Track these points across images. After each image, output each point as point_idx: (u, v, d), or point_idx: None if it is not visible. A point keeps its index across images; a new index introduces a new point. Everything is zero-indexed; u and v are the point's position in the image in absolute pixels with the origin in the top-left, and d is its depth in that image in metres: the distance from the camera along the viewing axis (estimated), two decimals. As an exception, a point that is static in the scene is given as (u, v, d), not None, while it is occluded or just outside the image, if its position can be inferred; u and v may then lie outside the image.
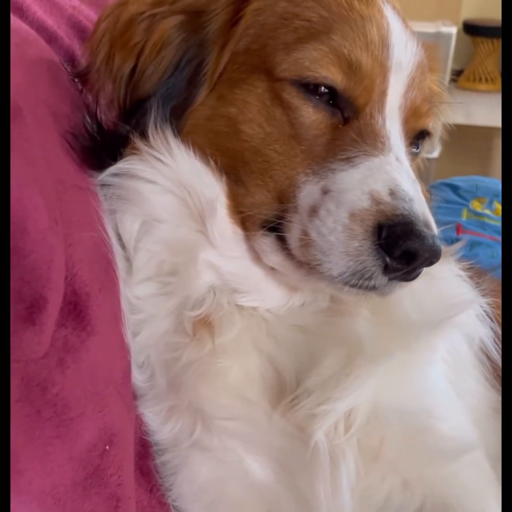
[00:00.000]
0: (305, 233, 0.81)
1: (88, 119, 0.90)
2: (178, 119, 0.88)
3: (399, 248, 0.76)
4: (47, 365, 0.71)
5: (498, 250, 1.69)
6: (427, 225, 0.77)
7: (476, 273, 1.06)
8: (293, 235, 0.82)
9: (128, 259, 0.90)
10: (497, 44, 6.72)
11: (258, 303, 0.89)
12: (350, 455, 0.82)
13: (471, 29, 6.85)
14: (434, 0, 6.41)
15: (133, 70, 0.89)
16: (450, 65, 5.42)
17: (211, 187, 0.87)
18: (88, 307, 0.78)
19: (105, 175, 0.87)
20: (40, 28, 1.02)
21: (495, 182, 2.04)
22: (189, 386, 0.85)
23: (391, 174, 0.80)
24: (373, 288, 0.80)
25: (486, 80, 7.08)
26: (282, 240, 0.84)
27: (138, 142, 0.86)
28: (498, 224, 1.83)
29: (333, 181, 0.81)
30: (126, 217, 0.88)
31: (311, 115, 0.84)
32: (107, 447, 0.77)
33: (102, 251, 0.85)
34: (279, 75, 0.84)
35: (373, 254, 0.77)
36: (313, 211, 0.81)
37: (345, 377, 0.82)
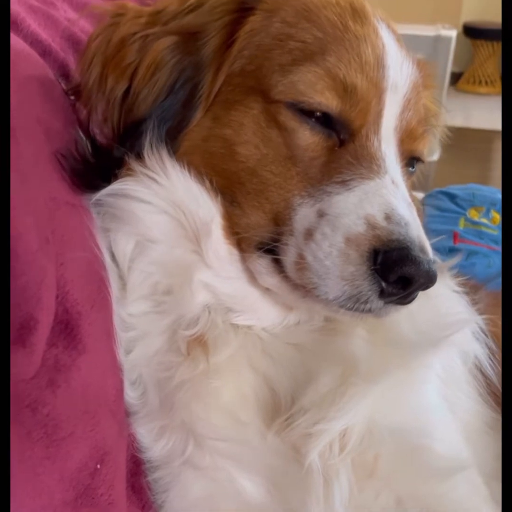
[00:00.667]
0: (301, 256, 0.81)
1: (81, 136, 0.90)
2: (173, 140, 0.87)
3: (394, 273, 0.76)
4: (38, 385, 0.71)
5: (495, 260, 1.69)
6: (422, 250, 0.77)
7: (472, 288, 1.06)
8: (288, 258, 0.82)
9: (121, 277, 0.90)
10: (497, 46, 6.74)
11: (253, 322, 0.89)
12: (343, 474, 0.82)
13: (471, 31, 6.87)
14: (434, 3, 6.43)
15: (127, 91, 0.89)
16: (449, 68, 5.43)
17: (206, 208, 0.86)
18: (79, 325, 0.78)
19: (98, 196, 0.87)
20: (34, 42, 1.02)
21: (493, 190, 2.04)
22: (181, 405, 0.84)
23: (387, 198, 0.80)
24: (369, 311, 0.80)
25: (486, 83, 7.10)
26: (277, 263, 0.84)
27: (133, 164, 0.86)
28: (495, 233, 1.83)
29: (329, 205, 0.81)
30: (120, 237, 0.88)
31: (308, 138, 0.84)
32: (98, 466, 0.77)
33: (94, 269, 0.84)
34: (275, 98, 0.84)
35: (369, 279, 0.77)
36: (309, 234, 0.81)
37: (341, 396, 0.82)
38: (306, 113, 0.84)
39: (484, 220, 1.90)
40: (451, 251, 1.73)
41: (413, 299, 0.80)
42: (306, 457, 0.81)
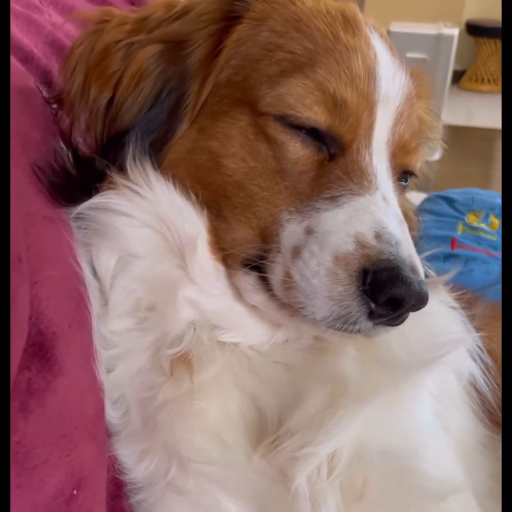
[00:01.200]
0: (288, 274, 0.78)
1: (62, 147, 0.87)
2: (157, 152, 0.84)
3: (384, 294, 0.73)
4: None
5: (494, 266, 1.65)
6: (413, 270, 0.74)
7: (469, 302, 1.03)
8: (275, 276, 0.80)
9: (103, 292, 0.87)
10: (500, 44, 6.69)
11: (239, 339, 0.86)
12: (331, 498, 0.80)
13: (473, 29, 6.84)
14: (436, 1, 6.39)
15: (110, 101, 0.86)
16: (452, 66, 5.40)
17: (192, 222, 0.84)
18: (55, 346, 0.75)
19: (79, 209, 0.84)
20: (15, 48, 0.99)
21: (492, 195, 2.00)
22: (164, 426, 0.81)
23: (377, 215, 0.77)
24: (358, 331, 0.77)
25: (489, 81, 7.07)
26: (264, 280, 0.82)
27: (115, 176, 0.83)
28: (494, 238, 1.79)
29: (317, 221, 0.78)
30: (102, 252, 0.85)
31: (298, 151, 0.81)
32: (75, 492, 0.75)
33: (73, 286, 0.82)
34: (263, 110, 0.81)
35: (358, 299, 0.74)
36: (296, 252, 0.78)
37: (329, 418, 0.80)
38: (295, 126, 0.81)
39: (482, 225, 1.86)
40: (449, 257, 1.71)
41: (404, 320, 0.78)
42: (292, 481, 0.78)
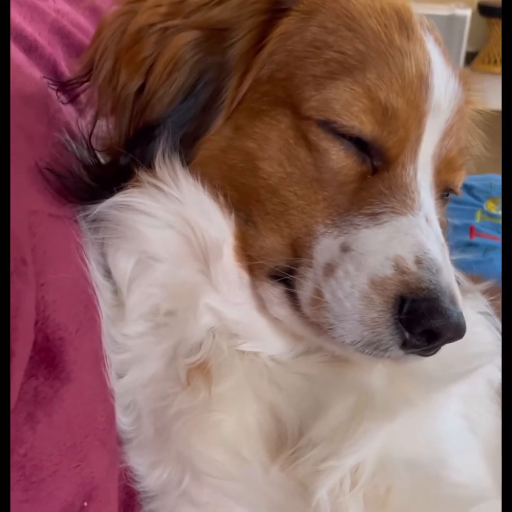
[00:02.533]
0: (318, 293, 0.74)
1: (75, 141, 0.82)
2: (188, 149, 0.79)
3: (421, 326, 0.69)
4: (14, 423, 0.64)
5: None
6: (453, 301, 0.70)
7: (492, 292, 0.99)
8: (304, 293, 0.76)
9: (115, 293, 0.83)
10: (513, 25, 6.59)
11: (260, 349, 0.82)
12: (353, 511, 0.76)
13: (486, 10, 6.72)
14: (448, -18, 6.28)
15: (140, 89, 0.81)
16: (464, 48, 5.32)
17: (219, 227, 0.79)
18: (62, 352, 0.71)
19: (100, 208, 0.79)
20: (18, 37, 0.95)
21: (512, 180, 1.94)
22: (179, 438, 0.78)
23: (419, 238, 0.73)
24: (388, 358, 0.74)
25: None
26: (291, 295, 0.78)
27: (142, 174, 0.78)
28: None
29: (355, 239, 0.74)
30: (120, 255, 0.81)
31: (342, 160, 0.77)
32: (86, 504, 0.72)
33: (80, 287, 0.78)
34: (306, 113, 0.76)
35: (392, 328, 0.70)
36: (330, 269, 0.74)
37: (354, 430, 0.76)
38: (339, 133, 0.76)
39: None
40: (468, 246, 1.66)
41: (436, 351, 0.74)
42: (313, 494, 0.75)
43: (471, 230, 1.74)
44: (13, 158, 0.74)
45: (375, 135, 0.76)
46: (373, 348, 0.72)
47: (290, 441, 0.78)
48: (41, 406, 0.68)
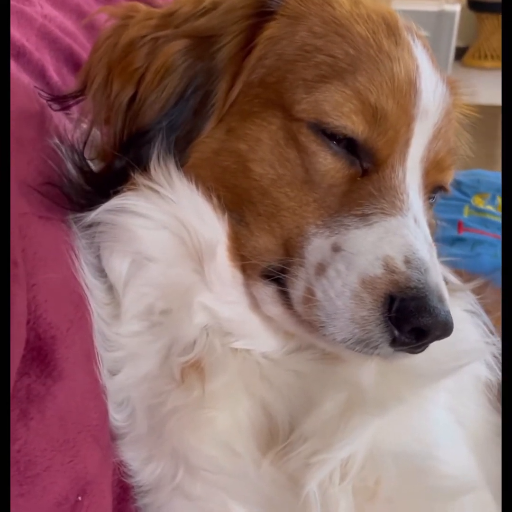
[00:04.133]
0: (310, 291, 0.76)
1: (65, 151, 0.84)
2: (181, 152, 0.81)
3: (409, 324, 0.71)
4: (8, 420, 0.66)
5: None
6: (440, 299, 0.72)
7: (478, 286, 1.02)
8: (296, 292, 0.78)
9: (106, 291, 0.85)
10: (503, 20, 6.61)
11: (252, 346, 0.84)
12: (344, 503, 0.78)
13: (475, 5, 6.74)
14: (437, -23, 6.30)
15: (133, 98, 0.83)
16: (454, 43, 5.33)
17: (212, 227, 0.81)
18: (54, 350, 0.73)
19: (95, 214, 0.80)
20: (7, 43, 0.96)
21: (498, 175, 1.96)
22: (173, 434, 0.80)
23: (408, 238, 0.75)
24: (377, 355, 0.76)
25: (492, 57, 6.97)
26: (284, 294, 0.79)
27: (138, 177, 0.80)
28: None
29: (346, 239, 0.76)
30: (114, 256, 0.83)
31: (329, 163, 0.78)
32: (80, 498, 0.74)
33: (71, 287, 0.80)
34: (297, 115, 0.78)
35: (381, 326, 0.72)
36: (321, 269, 0.76)
37: (345, 424, 0.78)
38: (329, 135, 0.78)
39: (489, 207, 1.83)
40: (456, 241, 1.68)
41: (425, 349, 0.76)
42: (303, 487, 0.77)
43: (459, 225, 1.76)
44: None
45: (365, 136, 0.77)
46: (363, 345, 0.74)
47: (281, 436, 0.80)
48: (34, 403, 0.69)
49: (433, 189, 0.87)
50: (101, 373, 0.82)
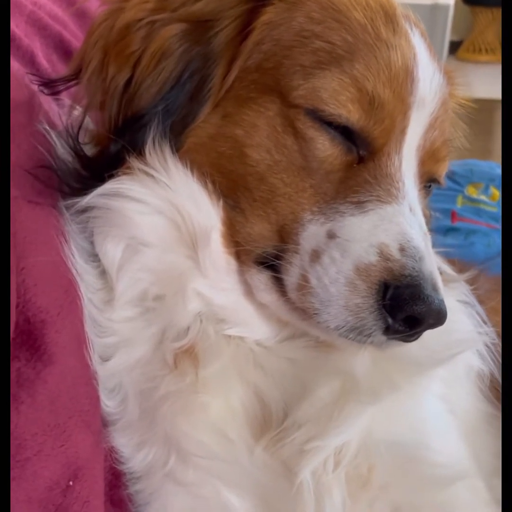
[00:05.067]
0: (304, 278, 0.76)
1: (55, 136, 0.84)
2: (177, 136, 0.81)
3: (403, 312, 0.71)
4: (-2, 404, 0.66)
5: (494, 238, 1.63)
6: (434, 288, 0.72)
7: (471, 277, 1.02)
8: (290, 278, 0.77)
9: (98, 276, 0.84)
10: (497, 13, 6.60)
11: (246, 334, 0.84)
12: (337, 491, 0.78)
13: (469, -1, 6.74)
14: (431, -29, 6.29)
15: (129, 81, 0.82)
16: (448, 37, 5.33)
17: (207, 213, 0.80)
18: (44, 335, 0.73)
19: (89, 198, 0.79)
20: (-4, 29, 0.95)
21: (492, 165, 1.96)
22: (165, 419, 0.80)
23: (403, 226, 0.74)
24: (370, 343, 0.75)
25: (486, 50, 6.98)
26: (278, 281, 0.79)
27: (133, 161, 0.79)
28: (495, 210, 1.76)
29: (341, 226, 0.75)
30: (108, 241, 0.82)
31: (327, 149, 0.78)
32: (71, 483, 0.73)
33: (61, 271, 0.79)
34: (294, 102, 0.78)
35: (375, 313, 0.72)
36: (316, 255, 0.75)
37: (339, 411, 0.78)
38: (326, 123, 0.77)
39: (483, 197, 1.83)
40: (450, 230, 1.68)
41: (418, 337, 0.75)
42: (297, 475, 0.77)
43: (453, 215, 1.76)
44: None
45: (361, 124, 0.77)
46: (356, 333, 0.73)
47: (274, 422, 0.80)
48: (24, 387, 0.69)
49: (428, 179, 0.87)
50: (92, 359, 0.81)
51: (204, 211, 0.80)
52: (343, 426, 0.77)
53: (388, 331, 0.73)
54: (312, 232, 0.77)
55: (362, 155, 0.79)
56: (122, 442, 0.84)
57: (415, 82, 0.80)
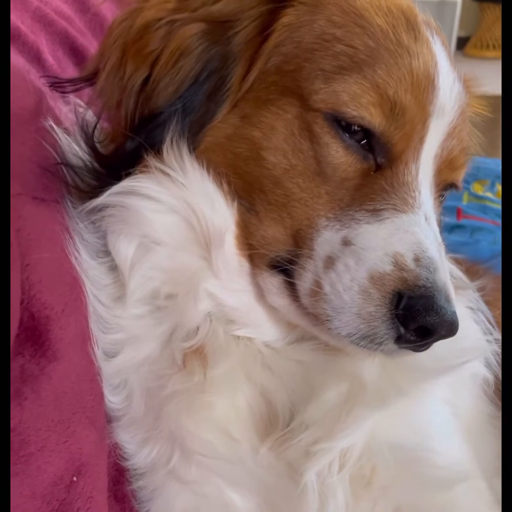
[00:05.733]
0: (318, 284, 0.76)
1: (77, 135, 0.85)
2: (194, 136, 0.81)
3: (416, 322, 0.71)
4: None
5: (500, 236, 1.62)
6: (447, 299, 0.72)
7: (477, 273, 1.03)
8: (304, 284, 0.77)
9: (105, 273, 0.85)
10: (505, 9, 6.56)
11: (255, 335, 0.84)
12: (340, 492, 0.79)
13: (477, -5, 6.71)
14: (438, -34, 6.27)
15: (146, 80, 0.82)
16: (455, 33, 5.32)
17: (222, 215, 0.80)
18: (48, 331, 0.73)
19: (104, 197, 0.79)
20: (1, 25, 0.96)
21: (497, 162, 1.94)
22: (171, 417, 0.80)
23: (418, 236, 0.74)
24: (381, 351, 0.75)
25: (494, 47, 6.95)
26: (291, 285, 0.79)
27: (150, 159, 0.79)
28: (500, 207, 1.75)
29: (356, 234, 0.75)
30: (121, 238, 0.82)
31: (341, 156, 0.78)
32: (75, 478, 0.73)
33: (66, 268, 0.79)
34: (314, 105, 0.77)
35: (388, 322, 0.72)
36: (330, 262, 0.75)
37: (346, 415, 0.78)
38: (345, 128, 0.77)
39: (488, 194, 1.82)
40: (455, 228, 1.68)
41: (429, 347, 0.76)
42: (302, 476, 0.77)
43: (458, 212, 1.75)
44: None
45: (382, 128, 0.77)
46: (368, 341, 0.73)
47: (281, 423, 0.80)
48: (28, 383, 0.69)
49: (444, 187, 0.87)
50: (96, 355, 0.81)
51: (219, 212, 0.80)
52: (350, 429, 0.77)
53: (400, 340, 0.73)
54: (327, 238, 0.77)
55: (379, 163, 0.79)
56: (126, 438, 0.84)
57: (436, 91, 0.79)
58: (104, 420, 0.82)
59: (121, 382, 0.84)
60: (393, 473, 0.80)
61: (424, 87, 0.78)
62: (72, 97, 0.94)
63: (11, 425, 0.66)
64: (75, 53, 1.08)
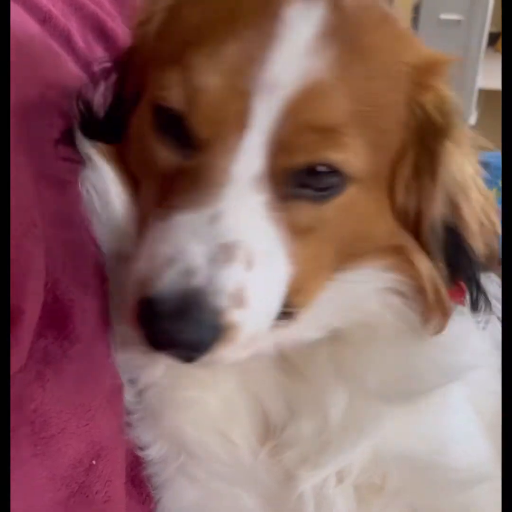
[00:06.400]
0: None
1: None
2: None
3: (152, 327, 0.63)
4: (24, 380, 0.66)
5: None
6: (198, 307, 0.62)
7: None
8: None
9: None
10: (538, 4, 6.47)
11: None
12: (341, 501, 0.78)
13: (510, -11, 6.62)
14: (471, -40, 6.18)
15: None
16: (487, 28, 5.24)
17: None
18: (72, 314, 0.73)
19: None
20: (33, 8, 0.95)
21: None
22: (166, 415, 0.81)
23: (182, 238, 0.63)
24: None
25: (526, 43, 6.86)
26: None
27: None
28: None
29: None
30: None
31: (156, 149, 0.71)
32: (94, 462, 0.73)
33: (89, 252, 0.79)
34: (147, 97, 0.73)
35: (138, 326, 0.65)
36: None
37: (324, 445, 0.77)
38: (159, 115, 0.69)
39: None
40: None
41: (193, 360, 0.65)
42: (298, 486, 0.77)
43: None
44: (22, 122, 0.75)
45: (183, 114, 0.66)
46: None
47: (277, 431, 0.79)
48: (50, 365, 0.69)
49: (307, 173, 0.68)
50: (113, 345, 0.80)
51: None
52: (342, 450, 0.76)
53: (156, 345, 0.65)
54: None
55: (190, 155, 0.68)
56: (140, 431, 0.84)
57: (268, 64, 0.64)
58: (123, 407, 0.82)
59: (133, 377, 0.83)
60: (406, 478, 0.78)
61: (240, 61, 0.64)
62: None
63: (33, 406, 0.67)
64: (105, 37, 1.08)
